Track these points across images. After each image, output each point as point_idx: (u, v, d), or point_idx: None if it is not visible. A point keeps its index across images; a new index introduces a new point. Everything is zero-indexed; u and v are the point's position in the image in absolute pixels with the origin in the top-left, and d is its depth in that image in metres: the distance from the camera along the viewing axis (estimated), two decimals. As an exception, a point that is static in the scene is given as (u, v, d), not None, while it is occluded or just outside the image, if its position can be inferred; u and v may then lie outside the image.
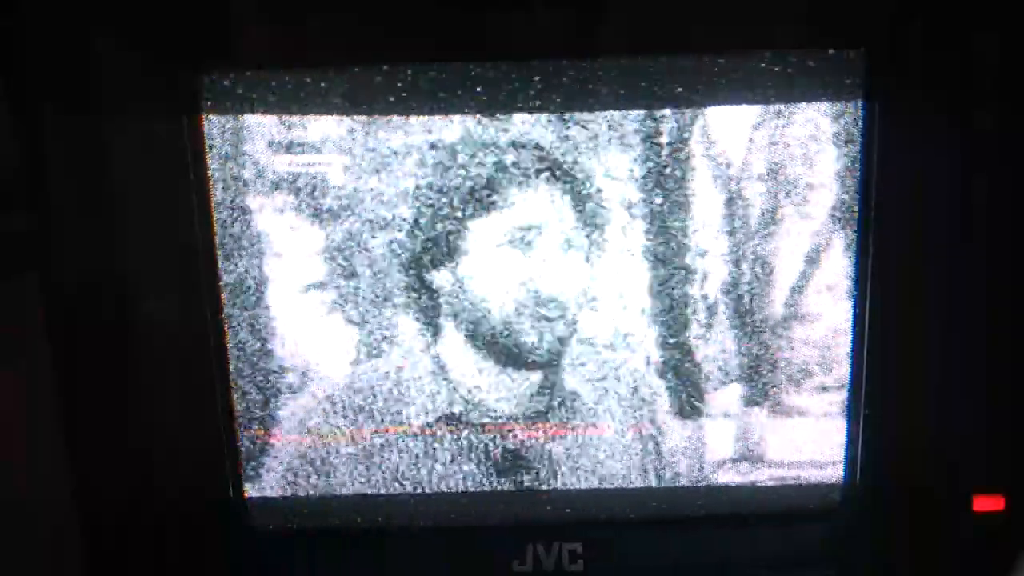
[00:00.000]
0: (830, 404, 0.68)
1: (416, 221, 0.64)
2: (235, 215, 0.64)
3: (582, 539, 0.69)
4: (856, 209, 0.64)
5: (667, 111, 0.63)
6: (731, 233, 0.65)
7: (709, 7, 0.62)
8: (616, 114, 0.63)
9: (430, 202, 0.64)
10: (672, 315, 0.66)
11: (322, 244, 0.65)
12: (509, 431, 0.68)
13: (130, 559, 0.68)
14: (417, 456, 0.68)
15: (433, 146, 0.63)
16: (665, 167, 0.64)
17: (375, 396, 0.67)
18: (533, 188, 0.64)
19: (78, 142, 0.62)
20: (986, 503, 0.67)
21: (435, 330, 0.66)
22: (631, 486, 0.69)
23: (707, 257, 0.65)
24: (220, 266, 0.65)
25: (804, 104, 0.63)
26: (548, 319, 0.66)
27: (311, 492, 0.69)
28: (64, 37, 0.61)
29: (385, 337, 0.66)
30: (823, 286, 0.66)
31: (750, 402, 0.68)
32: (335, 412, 0.67)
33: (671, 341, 0.66)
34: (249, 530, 0.69)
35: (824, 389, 0.67)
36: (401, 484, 0.69)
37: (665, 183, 0.64)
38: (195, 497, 0.67)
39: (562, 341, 0.66)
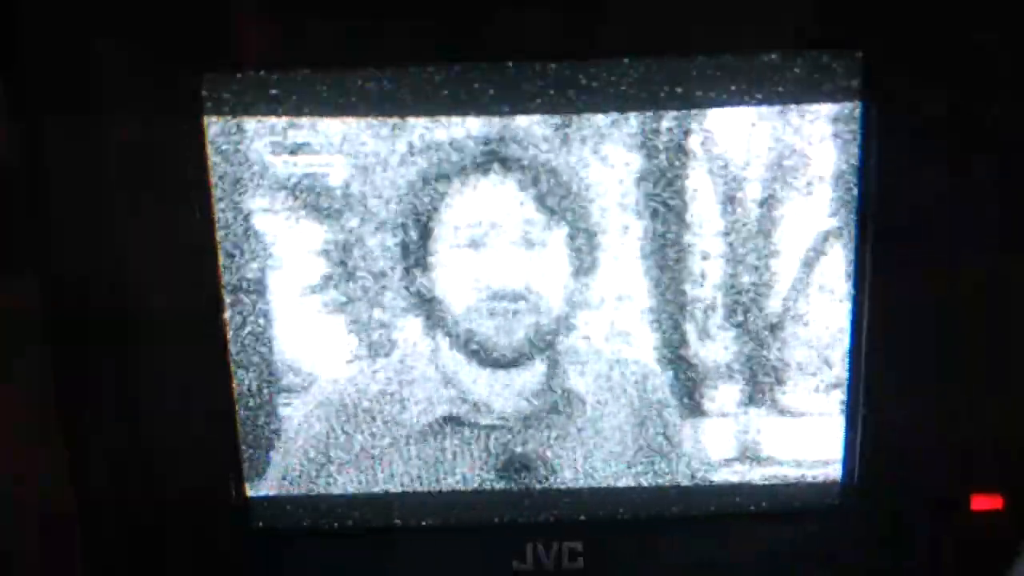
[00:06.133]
0: (829, 403, 0.68)
1: (414, 219, 0.64)
2: (236, 215, 0.64)
3: (582, 538, 0.69)
4: (855, 209, 0.64)
5: (666, 112, 0.63)
6: (731, 233, 0.65)
7: (709, 7, 0.62)
8: (615, 114, 0.63)
9: (431, 199, 0.64)
10: (671, 314, 0.66)
11: (322, 244, 0.65)
12: (509, 430, 0.68)
13: (130, 559, 0.68)
14: (417, 456, 0.68)
15: (432, 144, 0.63)
16: (664, 167, 0.64)
17: (375, 396, 0.67)
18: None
19: (78, 142, 0.62)
20: (984, 502, 0.67)
21: (435, 328, 0.66)
22: (631, 485, 0.69)
23: (707, 257, 0.65)
24: (220, 266, 0.65)
25: (803, 105, 0.63)
26: (549, 317, 0.66)
27: (312, 492, 0.69)
28: (64, 37, 0.60)
29: (384, 337, 0.66)
30: (822, 286, 0.66)
31: (749, 401, 0.68)
32: (335, 412, 0.67)
33: (670, 340, 0.67)
34: (250, 530, 0.69)
35: (823, 388, 0.68)
36: (401, 484, 0.69)
37: (664, 183, 0.64)
38: (196, 497, 0.67)
39: (561, 339, 0.66)
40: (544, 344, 0.66)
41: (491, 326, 0.66)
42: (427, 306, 0.66)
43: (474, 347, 0.66)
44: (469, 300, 0.65)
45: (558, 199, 0.64)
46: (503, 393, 0.67)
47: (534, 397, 0.67)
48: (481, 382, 0.67)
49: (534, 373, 0.67)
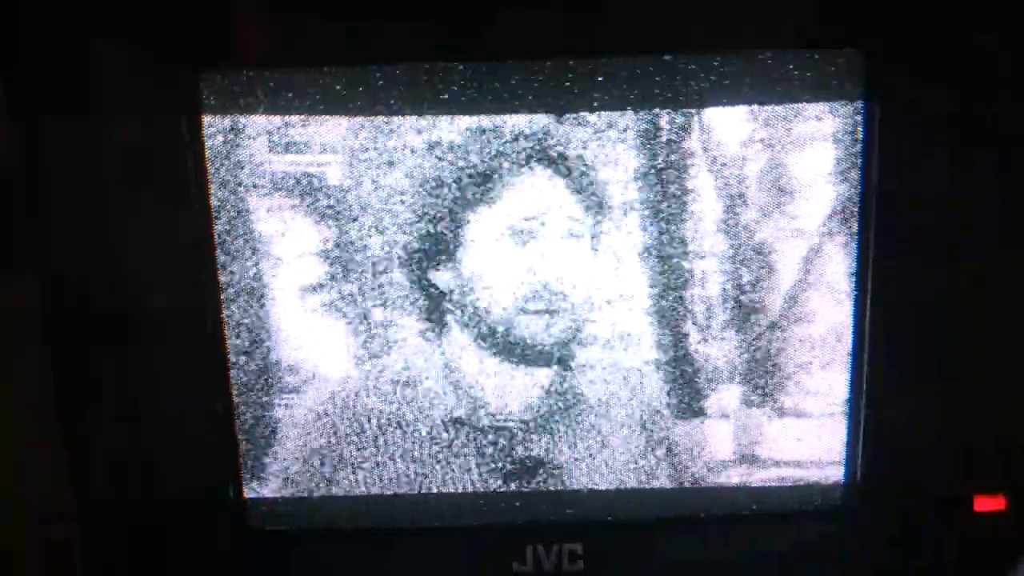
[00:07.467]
0: (831, 404, 0.67)
1: (417, 219, 0.64)
2: (234, 215, 0.64)
3: (582, 540, 0.69)
4: (856, 209, 0.64)
5: (667, 111, 0.63)
6: (733, 233, 0.65)
7: (709, 7, 0.62)
8: (615, 113, 0.63)
9: (431, 199, 0.64)
10: (672, 314, 0.66)
11: (322, 244, 0.65)
12: (510, 432, 0.68)
13: (130, 559, 0.68)
14: (417, 457, 0.68)
15: (432, 144, 0.63)
16: (665, 167, 0.64)
17: (375, 397, 0.67)
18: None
19: (78, 142, 0.62)
20: (987, 503, 0.67)
21: (437, 330, 0.66)
22: (632, 487, 0.69)
23: (707, 257, 0.65)
24: (219, 266, 0.65)
25: (804, 104, 0.63)
26: (549, 317, 0.66)
27: (311, 492, 0.69)
28: (64, 37, 0.61)
29: (386, 337, 0.66)
30: (824, 286, 0.66)
31: (751, 402, 0.68)
32: (335, 412, 0.67)
33: (671, 341, 0.66)
34: (249, 531, 0.69)
35: (826, 389, 0.67)
36: (401, 485, 0.69)
37: (665, 183, 0.64)
38: (195, 498, 0.67)
39: (563, 340, 0.66)
40: (568, 346, 0.66)
41: (526, 326, 0.66)
42: (439, 305, 0.66)
43: (504, 345, 0.66)
44: (495, 300, 0.65)
45: (568, 198, 0.64)
46: (510, 394, 0.67)
47: (542, 398, 0.67)
48: (488, 383, 0.67)
49: (546, 374, 0.67)
